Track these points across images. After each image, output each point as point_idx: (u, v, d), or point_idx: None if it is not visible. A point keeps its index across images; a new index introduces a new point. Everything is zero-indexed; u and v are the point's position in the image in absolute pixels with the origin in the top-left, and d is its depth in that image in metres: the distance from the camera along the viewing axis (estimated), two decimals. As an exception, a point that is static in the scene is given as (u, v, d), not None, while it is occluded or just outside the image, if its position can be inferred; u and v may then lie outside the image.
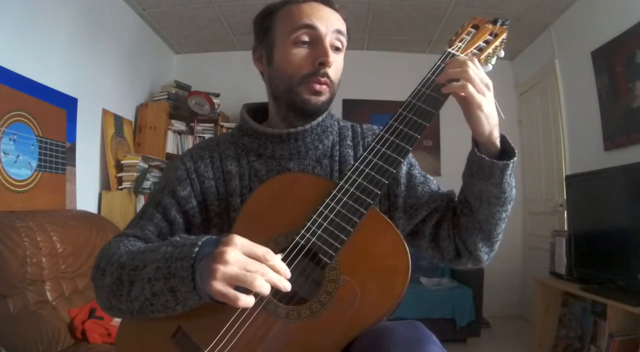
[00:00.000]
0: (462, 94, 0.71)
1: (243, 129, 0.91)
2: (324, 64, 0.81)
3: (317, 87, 0.82)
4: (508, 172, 0.76)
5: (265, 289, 0.61)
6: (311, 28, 0.82)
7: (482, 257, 0.86)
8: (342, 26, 0.86)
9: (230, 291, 0.61)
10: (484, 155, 0.75)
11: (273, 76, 0.87)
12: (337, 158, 0.91)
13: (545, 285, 2.71)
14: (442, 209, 0.89)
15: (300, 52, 0.82)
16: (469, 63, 0.72)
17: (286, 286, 0.64)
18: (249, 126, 0.90)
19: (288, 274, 0.65)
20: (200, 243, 0.66)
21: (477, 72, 0.72)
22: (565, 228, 2.84)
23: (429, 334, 0.66)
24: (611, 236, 2.30)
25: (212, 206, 0.88)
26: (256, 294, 0.62)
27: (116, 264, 0.73)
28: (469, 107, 0.72)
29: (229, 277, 0.61)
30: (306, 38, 0.82)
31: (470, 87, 0.71)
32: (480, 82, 0.72)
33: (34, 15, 2.21)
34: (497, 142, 0.77)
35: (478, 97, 0.71)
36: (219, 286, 0.61)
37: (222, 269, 0.61)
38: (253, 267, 0.62)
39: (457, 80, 0.72)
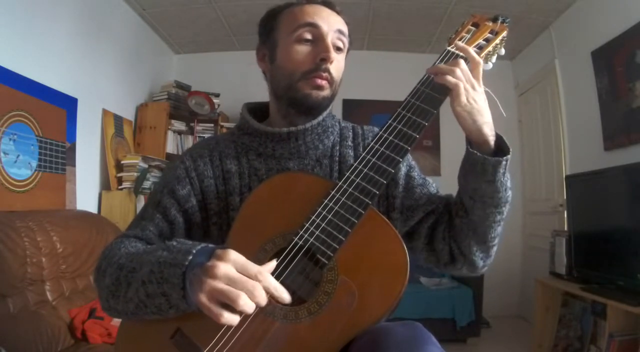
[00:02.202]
0: (452, 88, 0.73)
1: (243, 128, 0.92)
2: (325, 60, 0.82)
3: (318, 81, 0.83)
4: (501, 170, 0.76)
5: (249, 308, 0.61)
6: (313, 26, 0.83)
7: (477, 262, 0.85)
8: (344, 27, 0.87)
9: (215, 307, 0.61)
10: (475, 151, 0.76)
11: (275, 73, 0.88)
12: (337, 158, 0.91)
13: (545, 285, 2.70)
14: (439, 211, 0.89)
15: (303, 49, 0.84)
16: (461, 63, 0.75)
17: (261, 303, 0.62)
18: (250, 125, 0.90)
19: (286, 297, 0.64)
20: (194, 251, 0.66)
21: (467, 74, 0.75)
22: (565, 228, 2.84)
23: (427, 334, 0.66)
24: (611, 236, 2.29)
25: (212, 205, 0.88)
26: (242, 313, 0.61)
27: (115, 266, 0.73)
28: (452, 105, 0.75)
29: (216, 291, 0.60)
30: (308, 36, 0.84)
31: (460, 86, 0.73)
32: (467, 81, 0.74)
33: (34, 15, 2.21)
34: (489, 140, 0.77)
35: (463, 97, 0.73)
36: (204, 299, 0.61)
37: (210, 282, 0.61)
38: (241, 285, 0.61)
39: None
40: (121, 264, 0.73)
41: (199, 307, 0.63)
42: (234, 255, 0.64)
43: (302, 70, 0.83)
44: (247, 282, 0.61)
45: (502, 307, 3.64)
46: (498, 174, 0.76)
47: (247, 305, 0.60)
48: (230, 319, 0.61)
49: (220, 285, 0.60)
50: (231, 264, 0.62)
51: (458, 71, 0.73)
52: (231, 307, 0.61)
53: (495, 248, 0.85)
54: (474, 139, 0.77)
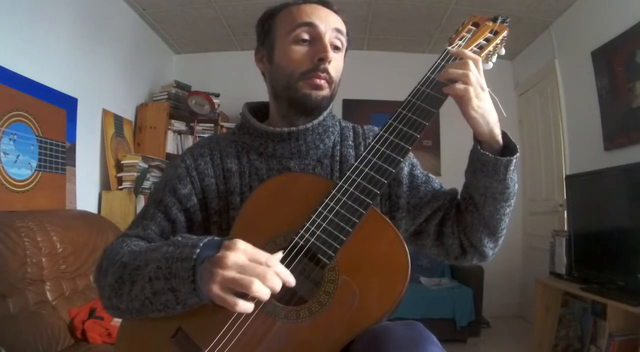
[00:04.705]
0: (462, 95, 0.72)
1: (244, 128, 0.92)
2: (323, 59, 0.82)
3: (317, 81, 0.83)
4: (511, 168, 0.77)
5: (264, 294, 0.61)
6: (311, 26, 0.83)
7: (487, 252, 0.87)
8: (342, 26, 0.87)
9: (229, 296, 0.61)
10: (487, 153, 0.76)
11: (274, 74, 0.88)
12: (338, 158, 0.91)
13: (545, 285, 2.70)
14: (446, 207, 0.89)
15: (300, 49, 0.84)
16: (471, 65, 0.73)
17: (275, 288, 0.62)
18: (251, 125, 0.90)
19: (292, 281, 0.64)
20: (201, 244, 0.66)
21: (477, 76, 0.74)
22: (565, 228, 2.84)
23: (428, 334, 0.66)
24: (611, 236, 2.30)
25: (212, 204, 0.88)
26: (256, 300, 0.62)
27: (118, 264, 0.73)
28: (466, 109, 0.74)
29: (228, 281, 0.61)
30: (306, 36, 0.84)
31: (470, 91, 0.72)
32: (478, 84, 0.73)
33: (34, 15, 2.21)
34: (499, 139, 0.78)
35: (475, 100, 0.72)
36: (218, 290, 0.61)
37: (221, 273, 0.61)
38: (253, 271, 0.61)
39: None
40: (124, 262, 0.72)
41: (211, 299, 0.63)
42: (242, 244, 0.64)
43: (301, 71, 0.83)
44: (258, 268, 0.62)
45: (502, 307, 3.64)
46: (509, 172, 0.77)
47: (261, 291, 0.60)
48: (245, 306, 0.61)
49: (232, 274, 0.61)
50: (240, 253, 0.63)
51: (471, 75, 0.72)
52: (245, 296, 0.61)
53: (503, 237, 0.87)
54: (484, 139, 0.77)
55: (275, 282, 0.62)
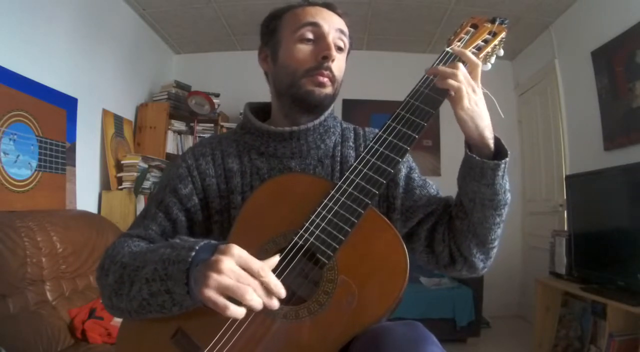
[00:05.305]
0: (454, 91, 0.73)
1: (245, 127, 0.92)
2: (327, 57, 0.83)
3: (321, 78, 0.84)
4: (500, 173, 0.76)
5: (257, 304, 0.61)
6: (315, 25, 0.85)
7: (477, 264, 0.85)
8: (345, 28, 0.89)
9: (221, 300, 0.61)
10: (474, 155, 0.76)
11: (277, 73, 0.89)
12: (338, 158, 0.92)
13: (545, 285, 2.70)
14: (439, 212, 0.89)
15: (305, 48, 0.85)
16: (461, 66, 0.75)
17: (274, 306, 0.63)
18: (252, 124, 0.91)
19: (282, 293, 0.64)
20: (197, 247, 0.66)
21: (468, 77, 0.75)
22: (565, 228, 2.84)
23: (428, 334, 0.66)
24: (611, 236, 2.30)
25: (213, 204, 0.88)
26: (248, 307, 0.62)
27: (119, 264, 0.74)
28: (455, 109, 0.74)
29: (222, 286, 0.61)
30: (310, 35, 0.85)
31: (462, 89, 0.73)
32: (469, 85, 0.74)
33: (34, 15, 2.21)
34: (489, 143, 0.77)
35: (465, 100, 0.73)
36: (210, 293, 0.61)
37: (215, 277, 0.61)
38: (247, 280, 0.61)
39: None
40: (124, 262, 0.73)
41: (203, 302, 0.63)
42: (237, 250, 0.64)
43: (305, 68, 0.84)
44: (252, 279, 0.62)
45: (502, 307, 3.64)
46: (497, 177, 0.76)
47: (255, 300, 0.61)
48: (237, 311, 0.61)
49: (227, 280, 0.61)
50: (235, 259, 0.63)
51: (460, 74, 0.73)
52: (236, 301, 0.61)
53: (495, 250, 0.85)
54: (474, 143, 0.77)
55: (265, 294, 0.62)
